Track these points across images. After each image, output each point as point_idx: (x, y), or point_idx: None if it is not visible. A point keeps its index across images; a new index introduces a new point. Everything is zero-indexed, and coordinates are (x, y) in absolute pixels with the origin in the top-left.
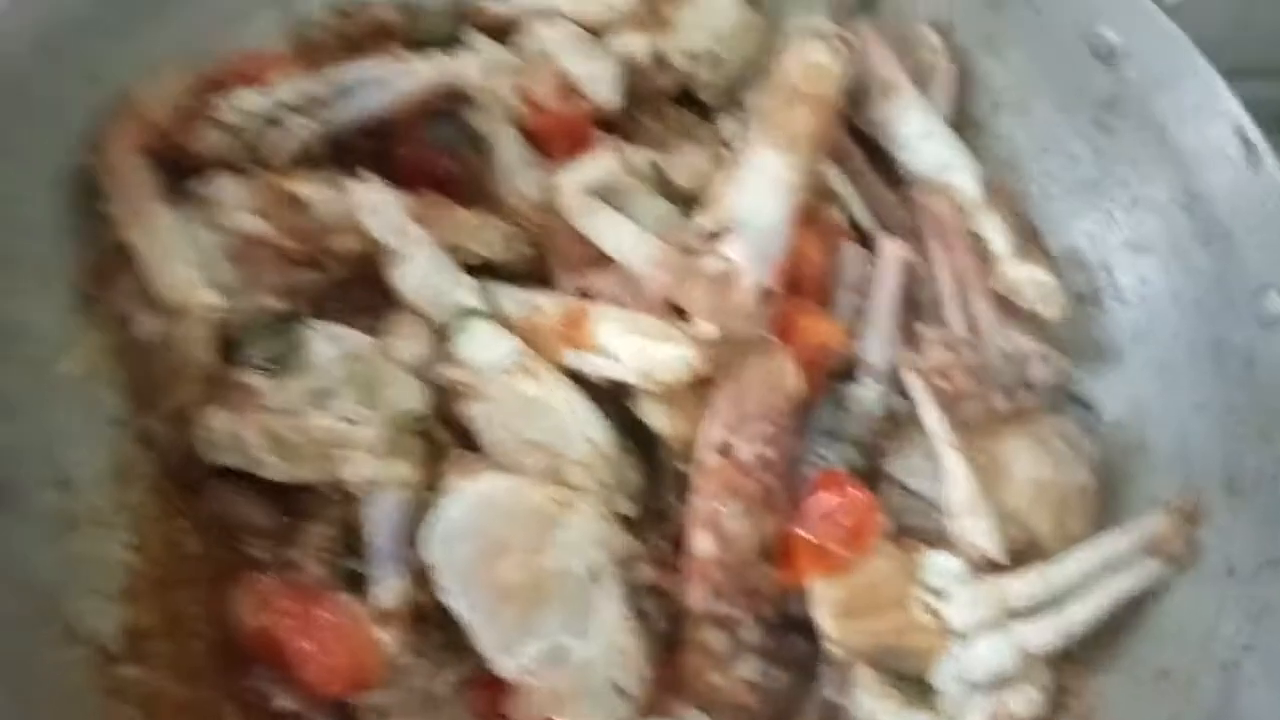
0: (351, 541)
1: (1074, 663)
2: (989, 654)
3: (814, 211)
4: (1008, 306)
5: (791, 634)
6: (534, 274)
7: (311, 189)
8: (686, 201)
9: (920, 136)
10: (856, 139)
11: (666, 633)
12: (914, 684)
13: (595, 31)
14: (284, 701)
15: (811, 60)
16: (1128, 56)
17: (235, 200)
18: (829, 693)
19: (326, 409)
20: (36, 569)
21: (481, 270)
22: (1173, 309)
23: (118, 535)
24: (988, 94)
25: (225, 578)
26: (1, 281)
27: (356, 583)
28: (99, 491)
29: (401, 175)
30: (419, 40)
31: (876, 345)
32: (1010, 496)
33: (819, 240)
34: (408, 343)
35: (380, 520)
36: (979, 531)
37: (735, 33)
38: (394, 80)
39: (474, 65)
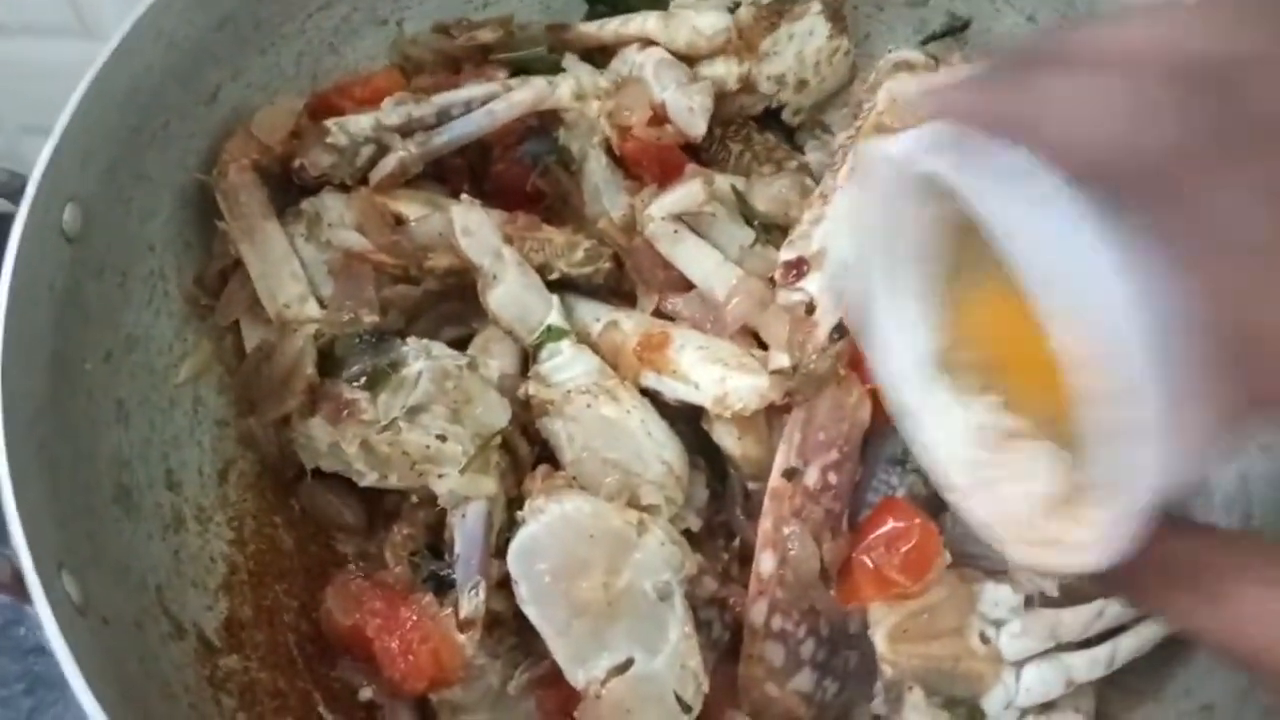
0: (434, 543)
1: (1119, 690)
2: (1038, 682)
3: None
4: None
5: (845, 650)
6: (614, 289)
7: (411, 208)
8: (767, 227)
9: None
10: None
11: (724, 642)
12: (964, 706)
13: (687, 58)
14: (369, 693)
15: (901, 93)
16: None
17: (339, 218)
18: (879, 708)
19: (419, 424)
20: (151, 567)
21: (561, 284)
22: None
23: (219, 532)
24: None
25: (316, 574)
26: (126, 295)
27: (438, 583)
28: (203, 490)
29: (494, 190)
30: (516, 61)
31: None
32: None
33: None
34: (496, 360)
35: (465, 531)
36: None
37: (822, 58)
38: (494, 105)
39: (568, 88)
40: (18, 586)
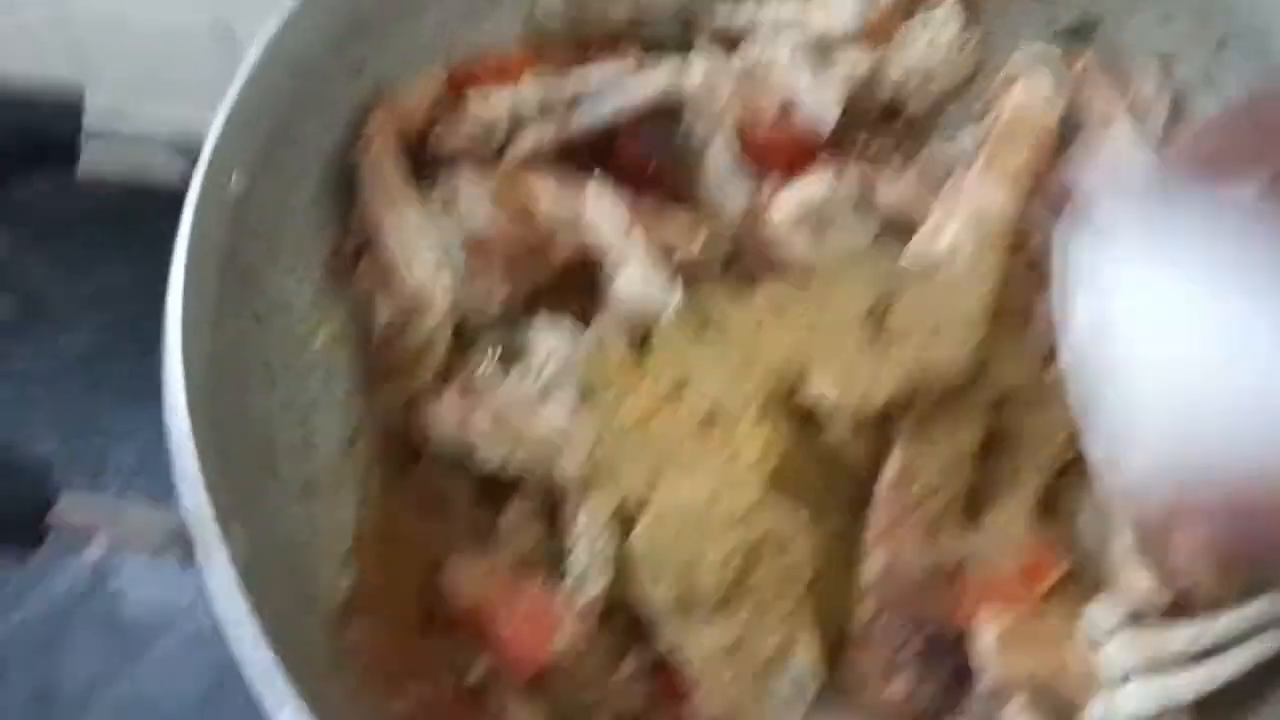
0: (551, 523)
1: (1214, 712)
2: (1137, 700)
3: (1021, 244)
4: None
5: (944, 655)
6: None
7: (544, 186)
8: (889, 222)
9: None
10: None
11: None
12: (1064, 717)
13: (821, 45)
14: (479, 673)
15: (1034, 90)
16: None
17: (475, 195)
18: (975, 714)
19: (549, 405)
20: (289, 531)
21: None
22: None
23: (348, 500)
24: None
25: (435, 550)
26: (271, 258)
27: (555, 567)
28: (335, 458)
29: (615, 173)
30: (648, 42)
31: None
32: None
33: (1026, 276)
34: (620, 343)
35: (588, 513)
36: (1142, 581)
37: (953, 49)
38: (629, 87)
39: (699, 73)
40: (187, 546)
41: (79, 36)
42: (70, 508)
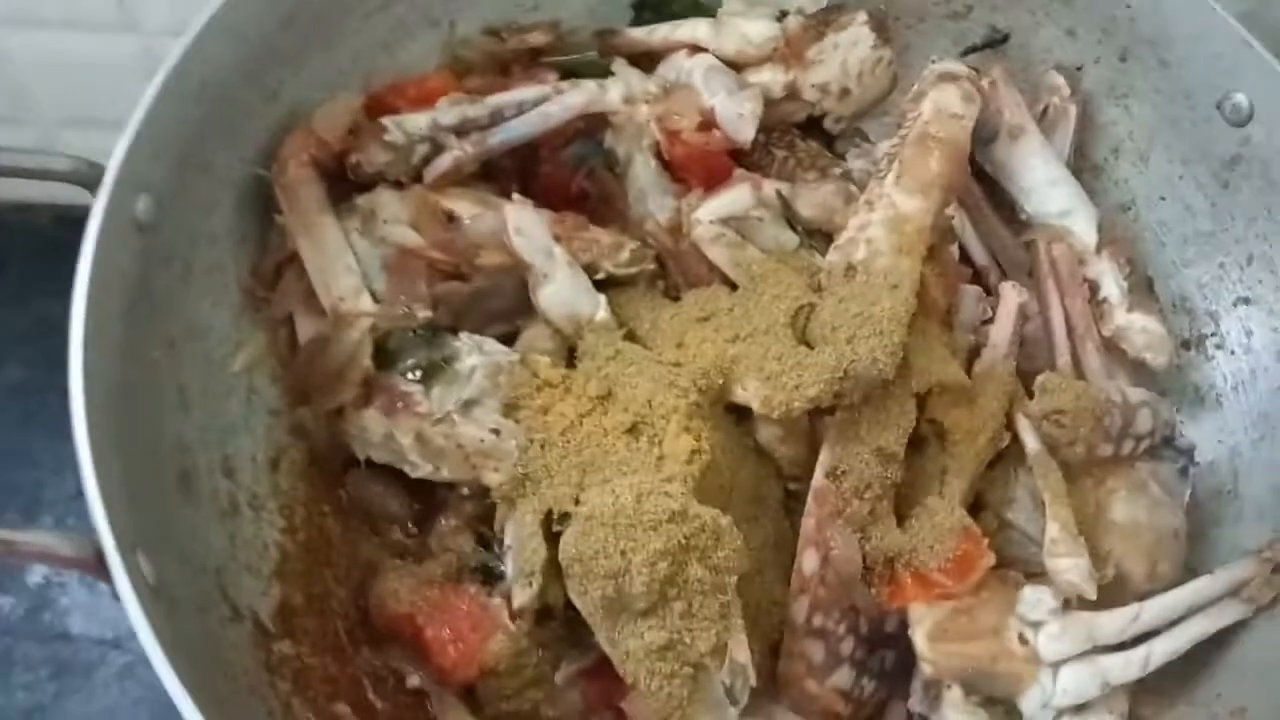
0: (482, 533)
1: (1151, 693)
2: (1074, 684)
3: (935, 250)
4: (1114, 351)
5: (882, 648)
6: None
7: (463, 206)
8: (810, 232)
9: (1045, 183)
10: (975, 175)
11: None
12: (1000, 706)
13: (735, 65)
14: (416, 681)
15: (945, 105)
16: (1257, 120)
17: (394, 214)
18: (916, 706)
19: (473, 418)
20: (210, 552)
21: (605, 284)
22: (1277, 363)
23: (271, 519)
24: (1108, 140)
25: (364, 563)
26: (187, 284)
27: (486, 574)
28: (256, 478)
29: (540, 191)
30: (565, 65)
31: None
32: (1106, 537)
33: (941, 280)
34: (545, 358)
35: (517, 522)
36: (1073, 569)
37: (865, 68)
38: (546, 107)
39: (618, 92)
40: (99, 566)
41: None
42: None
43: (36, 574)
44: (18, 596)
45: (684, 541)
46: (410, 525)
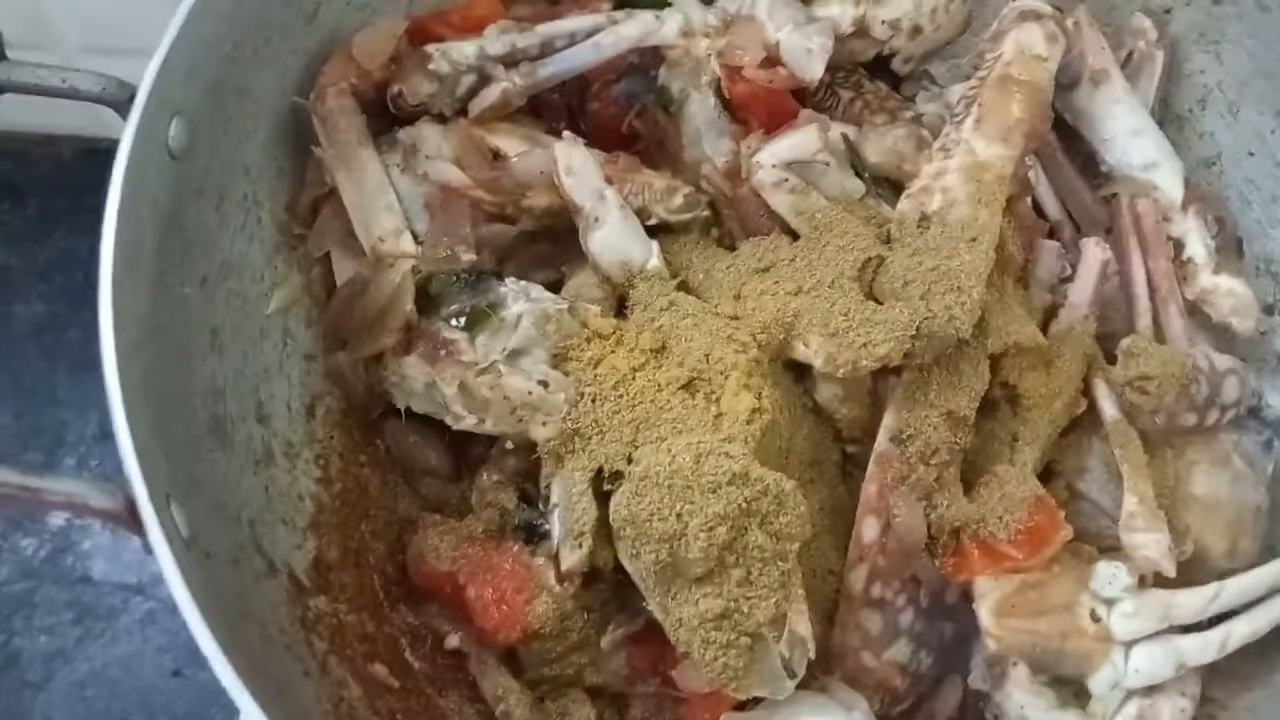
0: (525, 489)
1: (1226, 675)
2: (1148, 665)
3: (1012, 202)
4: (1196, 315)
5: (941, 621)
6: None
7: (510, 143)
8: (877, 180)
9: (1129, 133)
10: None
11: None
12: (1069, 686)
13: None
14: (455, 641)
15: (1028, 45)
16: None
17: (437, 149)
18: (978, 682)
19: (520, 368)
20: (244, 502)
21: (656, 229)
22: None
23: (306, 469)
24: (1195, 90)
25: (402, 517)
26: (221, 218)
27: (529, 532)
28: (291, 426)
29: (590, 130)
30: None
31: None
32: (1185, 512)
33: (1018, 234)
34: (594, 306)
35: (566, 479)
36: (1151, 544)
37: (940, 4)
38: (599, 38)
39: (675, 24)
40: (130, 518)
41: None
42: None
43: (59, 515)
44: (39, 539)
45: (745, 506)
46: (449, 479)
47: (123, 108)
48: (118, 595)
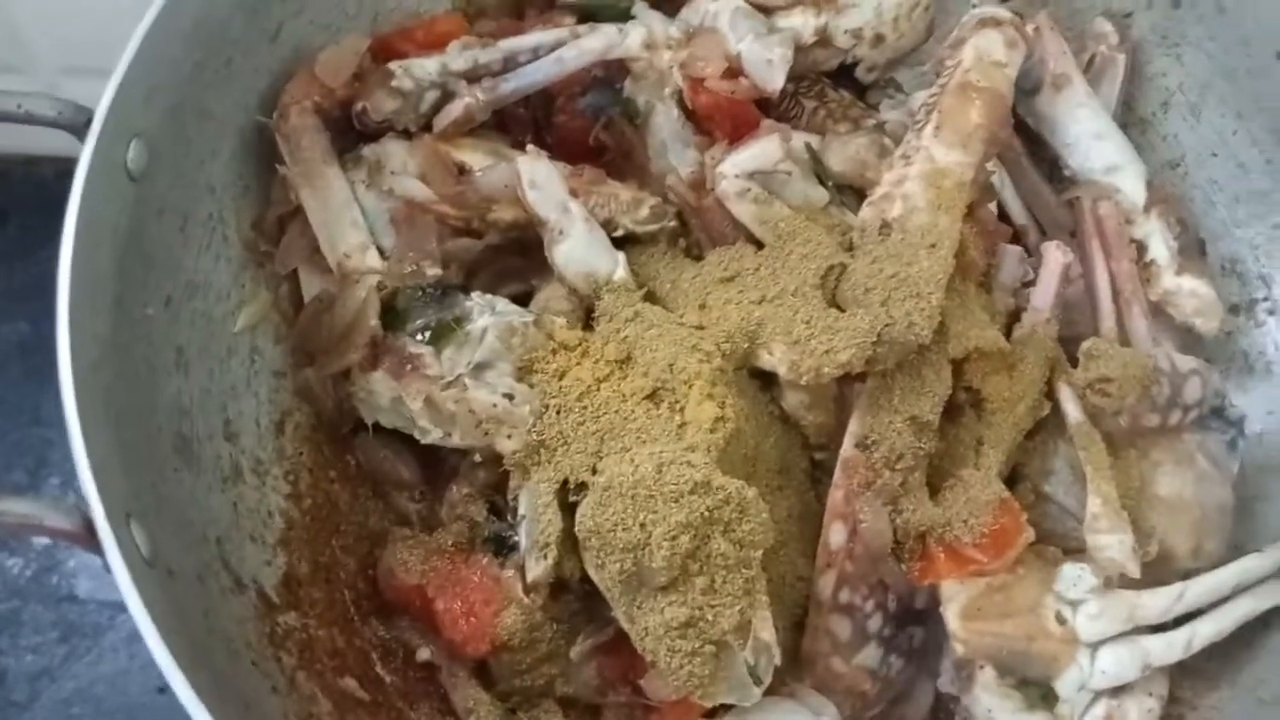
0: (495, 501)
1: (1192, 675)
2: (1114, 666)
3: (974, 208)
4: (1160, 316)
5: (911, 625)
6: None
7: (475, 157)
8: (840, 188)
9: (1091, 136)
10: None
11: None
12: (1036, 688)
13: (763, 8)
14: (427, 654)
15: (987, 51)
16: None
17: (402, 165)
18: (946, 686)
19: (485, 382)
20: (211, 520)
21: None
22: None
23: (276, 485)
24: (1158, 93)
25: (372, 532)
26: (186, 239)
27: (498, 544)
28: (260, 442)
29: (556, 143)
30: (582, 7)
31: None
32: (1149, 513)
33: (979, 240)
34: (560, 318)
35: (532, 492)
36: (1115, 546)
37: (902, 13)
38: (563, 52)
39: (638, 37)
40: (88, 536)
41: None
42: None
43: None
44: (25, 558)
45: (707, 514)
46: (419, 493)
47: (80, 131)
48: (103, 613)
